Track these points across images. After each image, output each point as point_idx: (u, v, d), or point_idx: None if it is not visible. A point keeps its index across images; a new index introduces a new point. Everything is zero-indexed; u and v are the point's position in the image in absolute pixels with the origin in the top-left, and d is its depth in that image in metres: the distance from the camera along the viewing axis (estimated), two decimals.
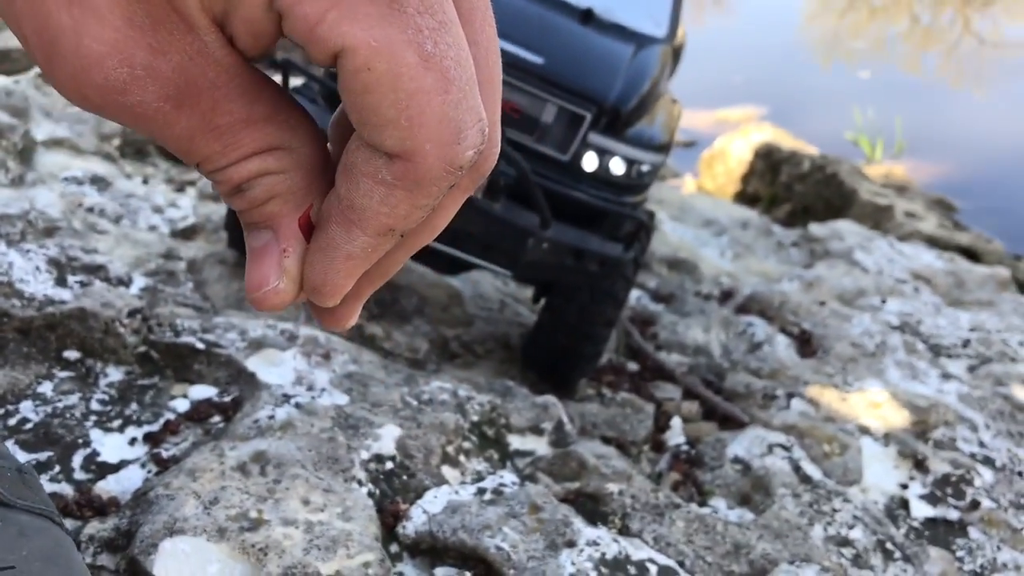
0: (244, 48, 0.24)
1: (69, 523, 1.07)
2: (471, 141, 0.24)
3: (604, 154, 1.41)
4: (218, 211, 2.12)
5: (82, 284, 1.52)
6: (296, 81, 1.61)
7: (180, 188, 2.35)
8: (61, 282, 1.51)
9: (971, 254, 3.46)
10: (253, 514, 1.05)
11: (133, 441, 1.25)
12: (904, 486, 1.60)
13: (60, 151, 2.20)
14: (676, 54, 1.68)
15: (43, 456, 1.18)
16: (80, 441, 1.22)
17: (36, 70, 2.73)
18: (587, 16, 1.46)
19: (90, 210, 1.89)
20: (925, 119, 6.51)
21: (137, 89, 0.24)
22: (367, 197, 0.25)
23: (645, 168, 1.45)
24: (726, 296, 2.33)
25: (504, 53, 1.40)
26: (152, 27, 0.24)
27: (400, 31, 0.22)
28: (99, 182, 2.06)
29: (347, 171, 0.25)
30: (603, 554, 1.17)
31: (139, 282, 1.62)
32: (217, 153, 0.26)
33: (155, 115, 0.24)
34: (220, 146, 0.25)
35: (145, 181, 2.29)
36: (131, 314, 1.43)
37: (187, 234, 2.00)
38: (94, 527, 1.05)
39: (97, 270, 1.59)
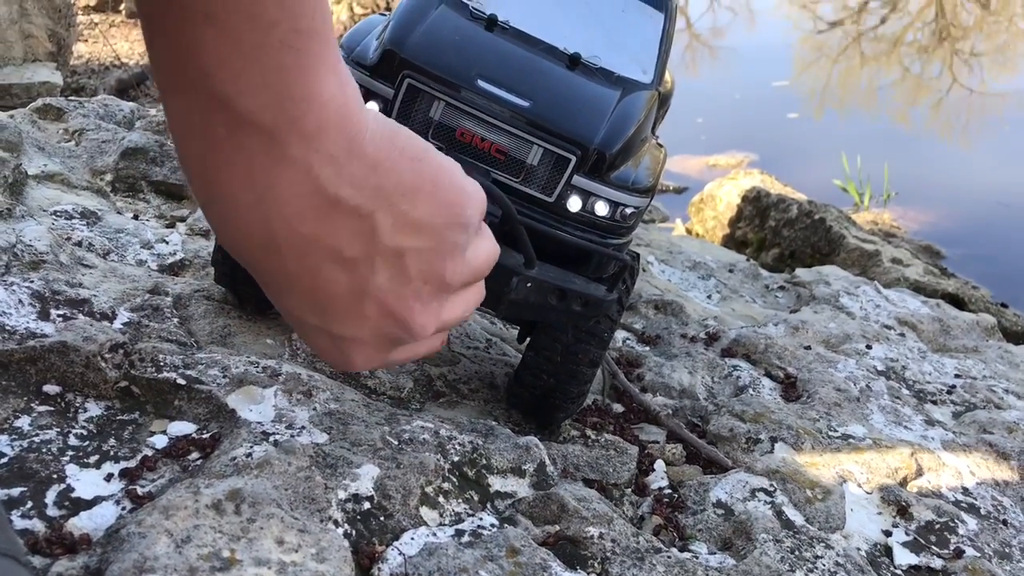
0: None
1: (38, 561, 1.05)
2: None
3: (588, 196, 1.42)
4: (207, 247, 2.12)
5: (65, 318, 1.52)
6: None
7: (170, 224, 2.36)
8: (44, 316, 1.51)
9: (957, 301, 3.48)
10: (225, 553, 1.03)
11: (109, 477, 1.24)
12: (887, 533, 1.59)
13: (52, 185, 2.21)
14: (664, 100, 1.70)
15: (16, 492, 1.16)
16: (55, 476, 1.21)
17: (32, 105, 2.75)
18: (574, 61, 1.48)
19: (78, 244, 1.89)
20: (913, 168, 6.60)
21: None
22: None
23: (629, 211, 1.46)
24: (712, 339, 2.33)
25: (492, 96, 1.43)
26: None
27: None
28: (89, 216, 2.07)
29: None
30: None
31: (123, 317, 1.62)
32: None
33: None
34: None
35: (136, 216, 2.30)
36: (113, 348, 1.42)
37: (175, 269, 2.00)
38: (63, 565, 1.03)
39: (81, 304, 1.59)
